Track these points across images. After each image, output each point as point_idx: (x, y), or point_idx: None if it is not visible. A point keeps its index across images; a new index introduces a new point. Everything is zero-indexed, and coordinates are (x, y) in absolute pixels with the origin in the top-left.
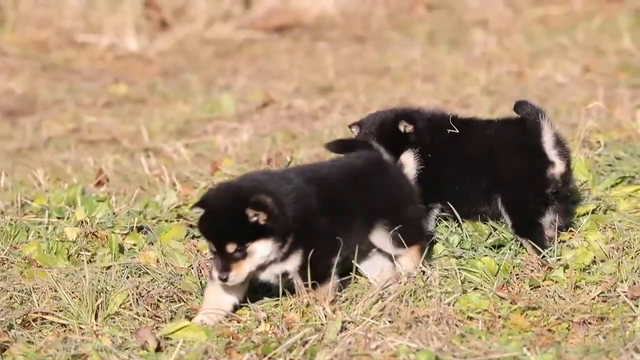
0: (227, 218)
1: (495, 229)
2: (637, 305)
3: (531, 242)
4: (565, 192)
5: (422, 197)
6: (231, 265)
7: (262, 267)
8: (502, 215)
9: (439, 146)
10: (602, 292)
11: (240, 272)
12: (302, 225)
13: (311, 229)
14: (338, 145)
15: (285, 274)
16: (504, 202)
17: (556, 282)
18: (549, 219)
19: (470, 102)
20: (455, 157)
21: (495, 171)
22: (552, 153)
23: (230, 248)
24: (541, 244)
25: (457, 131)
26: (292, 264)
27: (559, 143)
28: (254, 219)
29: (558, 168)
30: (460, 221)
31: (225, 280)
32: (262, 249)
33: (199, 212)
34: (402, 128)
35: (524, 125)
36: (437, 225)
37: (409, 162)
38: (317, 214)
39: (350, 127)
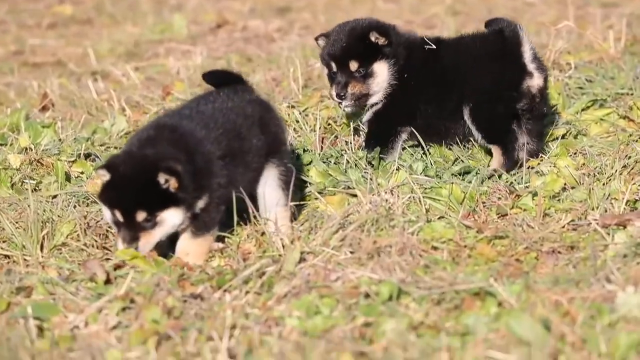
0: (137, 184)
1: (461, 155)
2: (608, 234)
3: (500, 149)
4: (541, 109)
5: (391, 119)
6: (139, 235)
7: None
8: (472, 125)
9: (414, 66)
10: (572, 220)
11: (149, 241)
12: (206, 181)
13: (213, 178)
14: (214, 76)
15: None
16: (474, 111)
17: (524, 210)
18: (522, 141)
19: (435, 22)
20: (430, 74)
21: (468, 80)
22: (531, 65)
23: (140, 217)
24: (511, 151)
25: (434, 47)
26: (195, 209)
27: (537, 58)
28: (165, 185)
29: (536, 81)
30: (425, 148)
31: (136, 249)
32: (172, 218)
33: (105, 175)
34: (373, 38)
35: (502, 35)
36: (401, 152)
37: (382, 72)
38: (217, 163)
39: (316, 39)
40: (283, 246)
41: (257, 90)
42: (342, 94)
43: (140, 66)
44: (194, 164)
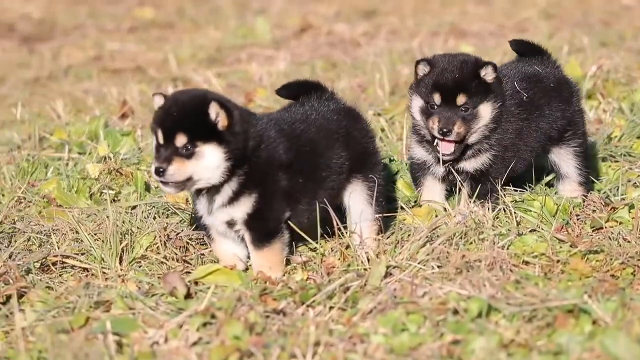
0: (186, 110)
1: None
2: None
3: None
4: None
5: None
6: (173, 159)
7: (204, 182)
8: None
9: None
10: None
11: (180, 169)
12: (260, 166)
13: (270, 176)
14: (290, 89)
15: (232, 223)
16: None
17: (620, 223)
18: None
19: (527, 26)
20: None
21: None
22: None
23: (180, 141)
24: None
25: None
26: (240, 209)
27: None
28: (215, 119)
29: None
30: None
31: (162, 173)
32: (211, 155)
33: (160, 101)
34: (482, 74)
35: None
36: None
37: (486, 115)
38: (281, 167)
39: (417, 62)
40: (368, 260)
41: (342, 98)
42: (447, 129)
43: (222, 72)
44: (258, 139)
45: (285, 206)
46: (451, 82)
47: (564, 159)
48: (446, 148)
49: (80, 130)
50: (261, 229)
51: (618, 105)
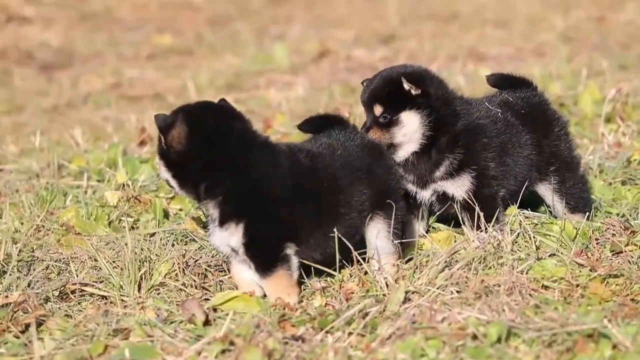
0: None
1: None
2: None
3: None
4: None
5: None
6: None
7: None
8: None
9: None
10: None
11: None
12: (243, 199)
13: (261, 209)
14: (311, 124)
15: (234, 250)
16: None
17: None
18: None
19: (545, 49)
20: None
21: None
22: None
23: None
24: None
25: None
26: (233, 236)
27: None
28: None
29: None
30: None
31: None
32: None
33: None
34: (406, 87)
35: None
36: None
37: (410, 122)
38: (283, 201)
39: (362, 82)
40: (387, 285)
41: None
42: None
43: (240, 98)
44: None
45: (282, 234)
46: (368, 94)
47: (546, 194)
48: None
49: (99, 157)
50: (257, 259)
51: (637, 128)
